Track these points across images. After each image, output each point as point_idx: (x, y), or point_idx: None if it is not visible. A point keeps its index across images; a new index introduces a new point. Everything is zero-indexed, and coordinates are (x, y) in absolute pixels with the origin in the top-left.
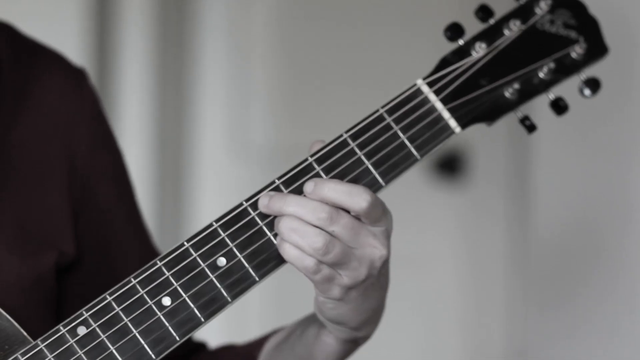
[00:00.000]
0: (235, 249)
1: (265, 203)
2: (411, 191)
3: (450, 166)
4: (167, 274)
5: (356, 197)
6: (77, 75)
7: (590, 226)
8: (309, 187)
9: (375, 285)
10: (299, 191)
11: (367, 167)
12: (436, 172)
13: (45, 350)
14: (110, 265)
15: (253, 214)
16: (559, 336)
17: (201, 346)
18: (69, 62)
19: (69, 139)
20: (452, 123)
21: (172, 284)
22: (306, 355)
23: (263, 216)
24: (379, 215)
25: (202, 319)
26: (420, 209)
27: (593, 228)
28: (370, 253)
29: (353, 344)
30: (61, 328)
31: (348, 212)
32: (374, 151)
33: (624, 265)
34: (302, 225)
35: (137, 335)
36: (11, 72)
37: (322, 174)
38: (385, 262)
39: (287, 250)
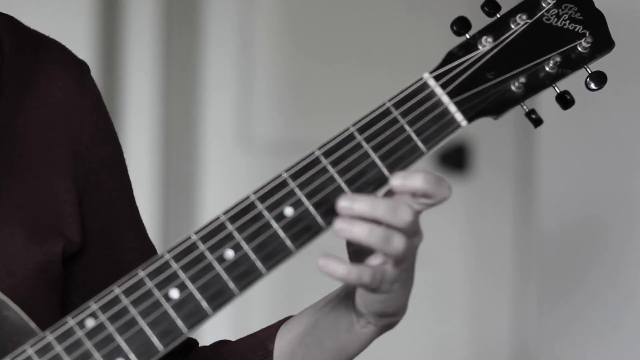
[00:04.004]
0: (242, 242)
1: (348, 205)
2: None
3: (457, 159)
4: (175, 266)
5: (443, 185)
6: (80, 67)
7: (596, 219)
8: (397, 181)
9: (410, 268)
10: (305, 184)
11: (373, 161)
12: (443, 165)
13: (54, 342)
14: (112, 255)
15: (260, 206)
16: (565, 328)
17: (195, 342)
18: (72, 54)
19: (72, 129)
20: (459, 117)
21: (180, 277)
22: (339, 348)
23: (270, 209)
24: (415, 228)
25: (210, 311)
26: None
27: (599, 221)
28: (416, 241)
29: (386, 328)
30: (69, 320)
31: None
32: (380, 144)
33: (629, 257)
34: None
35: (146, 327)
36: (14, 62)
37: (329, 167)
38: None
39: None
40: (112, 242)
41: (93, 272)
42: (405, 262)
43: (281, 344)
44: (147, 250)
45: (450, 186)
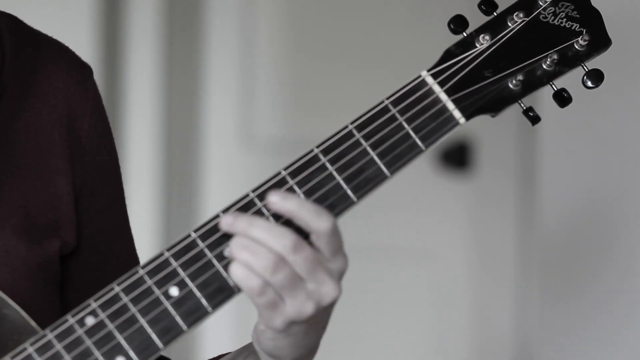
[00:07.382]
0: None
1: (230, 222)
2: (420, 182)
3: (459, 157)
4: (175, 264)
5: (322, 218)
6: (82, 69)
7: (599, 217)
8: (274, 197)
9: (318, 324)
10: (304, 182)
11: (372, 158)
12: (445, 164)
13: (54, 341)
14: (98, 261)
15: (259, 204)
16: (567, 327)
17: None
18: (75, 55)
19: (71, 131)
20: (457, 114)
21: (180, 274)
22: None
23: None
24: (337, 246)
25: (210, 309)
26: (429, 200)
27: (602, 219)
28: (322, 291)
29: None
30: (69, 318)
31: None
32: (379, 142)
33: (632, 255)
34: (255, 244)
35: (146, 325)
36: (16, 62)
37: (327, 165)
38: (334, 303)
39: (234, 270)
40: (100, 248)
41: (84, 275)
42: (296, 294)
43: None
44: (131, 261)
45: (331, 220)
